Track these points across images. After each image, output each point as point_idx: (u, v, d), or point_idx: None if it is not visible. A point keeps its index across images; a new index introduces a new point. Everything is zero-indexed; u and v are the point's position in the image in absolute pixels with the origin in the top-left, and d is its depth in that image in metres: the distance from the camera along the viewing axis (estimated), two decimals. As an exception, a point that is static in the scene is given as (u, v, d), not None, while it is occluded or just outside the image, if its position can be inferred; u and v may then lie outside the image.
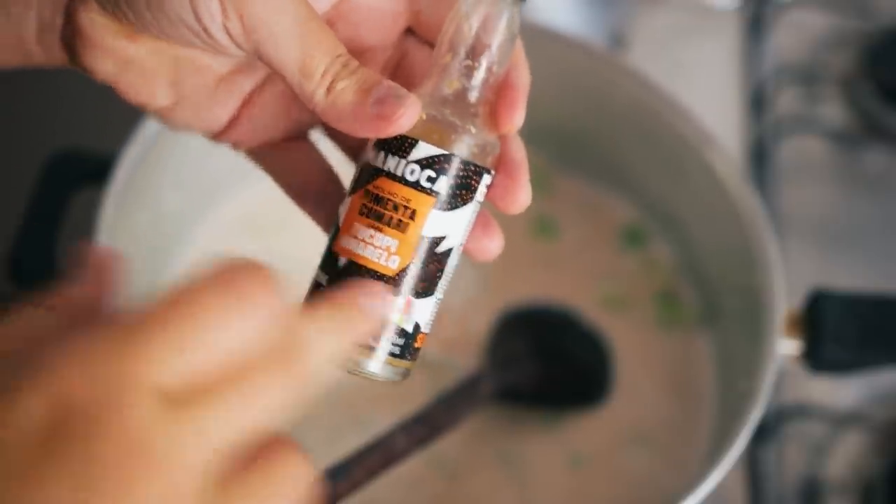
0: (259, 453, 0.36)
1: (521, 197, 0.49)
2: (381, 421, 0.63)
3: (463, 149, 0.44)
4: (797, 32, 0.92)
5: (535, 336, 0.69)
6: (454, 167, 0.43)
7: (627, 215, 0.75)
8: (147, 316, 0.34)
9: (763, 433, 0.73)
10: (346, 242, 0.44)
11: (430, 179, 0.43)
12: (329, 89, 0.43)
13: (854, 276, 0.80)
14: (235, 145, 0.48)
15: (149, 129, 0.66)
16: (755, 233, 0.66)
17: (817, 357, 0.63)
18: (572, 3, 0.88)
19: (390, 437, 0.59)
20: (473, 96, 0.45)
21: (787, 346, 0.63)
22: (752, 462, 0.72)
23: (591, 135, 0.74)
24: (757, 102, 0.87)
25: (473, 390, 0.64)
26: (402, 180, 0.43)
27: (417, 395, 0.66)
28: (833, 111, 0.88)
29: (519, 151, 0.50)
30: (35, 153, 0.73)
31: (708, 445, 0.66)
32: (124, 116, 0.67)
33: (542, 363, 0.68)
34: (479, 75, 0.46)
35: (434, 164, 0.43)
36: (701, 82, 0.88)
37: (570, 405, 0.68)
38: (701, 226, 0.71)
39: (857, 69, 0.88)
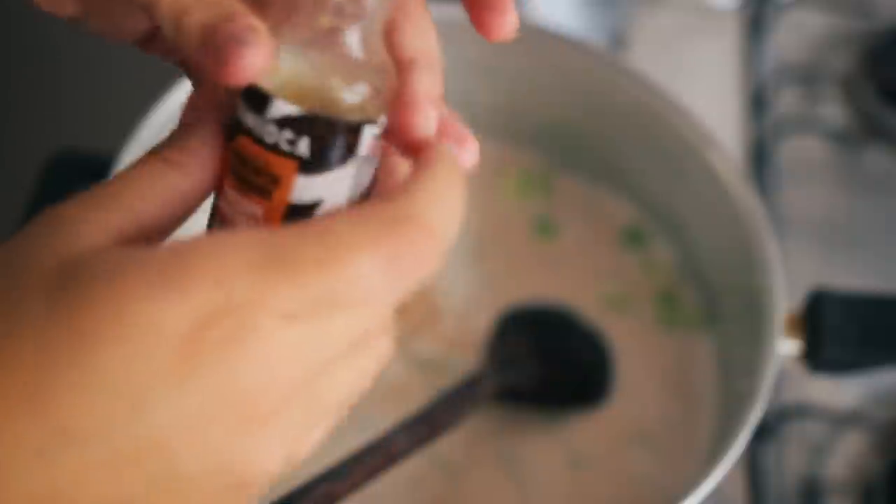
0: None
1: (507, 22, 0.43)
2: (381, 421, 0.63)
3: (330, 104, 0.37)
4: (797, 32, 0.92)
5: (535, 336, 0.69)
6: (319, 127, 0.37)
7: (627, 215, 0.75)
8: (307, 245, 0.34)
9: (763, 433, 0.73)
10: (221, 203, 0.39)
11: (289, 142, 0.37)
12: (178, 26, 0.36)
13: (854, 276, 0.80)
14: (164, 57, 0.43)
15: (149, 129, 0.66)
16: (755, 233, 0.66)
17: (817, 357, 0.63)
18: (572, 3, 0.88)
19: (390, 437, 0.59)
20: (352, 34, 0.38)
21: (787, 347, 0.63)
22: (752, 462, 0.72)
23: (591, 135, 0.74)
24: (757, 102, 0.87)
25: (473, 390, 0.64)
26: (260, 141, 0.37)
27: (417, 395, 0.66)
28: (833, 111, 0.88)
29: None
30: (35, 153, 0.73)
31: (708, 445, 0.66)
32: (124, 116, 0.67)
33: (543, 363, 0.68)
34: (358, 5, 0.37)
35: (292, 124, 0.36)
36: (701, 82, 0.88)
37: (571, 405, 0.68)
38: (701, 226, 0.71)
39: (857, 69, 0.88)
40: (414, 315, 0.70)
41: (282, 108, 0.36)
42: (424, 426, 0.61)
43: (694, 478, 0.58)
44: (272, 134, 0.36)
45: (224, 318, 0.33)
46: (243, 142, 0.37)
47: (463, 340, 0.70)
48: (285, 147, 0.37)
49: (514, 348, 0.68)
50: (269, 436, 0.35)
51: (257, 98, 0.36)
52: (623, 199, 0.75)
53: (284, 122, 0.36)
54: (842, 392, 0.75)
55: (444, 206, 0.37)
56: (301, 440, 0.37)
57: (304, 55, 0.37)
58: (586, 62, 0.72)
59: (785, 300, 0.63)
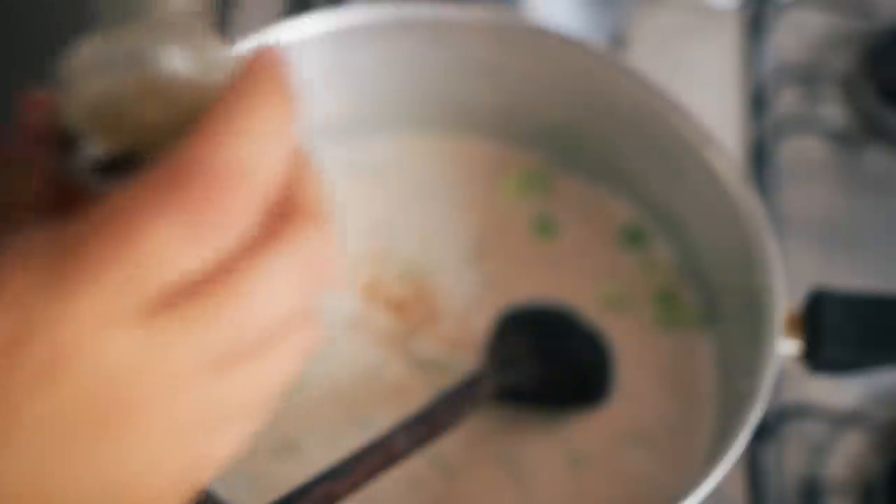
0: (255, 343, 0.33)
1: None
2: (381, 421, 0.63)
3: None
4: (797, 32, 0.92)
5: (535, 336, 0.69)
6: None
7: (627, 215, 0.75)
8: (88, 238, 0.30)
9: (763, 433, 0.73)
10: None
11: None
12: None
13: (854, 276, 0.80)
14: None
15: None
16: (755, 233, 0.66)
17: (817, 357, 0.63)
18: (572, 3, 0.88)
19: (390, 437, 0.59)
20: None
21: (787, 347, 0.63)
22: (752, 462, 0.72)
23: (591, 135, 0.74)
24: (757, 102, 0.87)
25: (473, 390, 0.64)
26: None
27: (417, 395, 0.66)
28: (833, 111, 0.88)
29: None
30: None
31: (708, 445, 0.66)
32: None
33: (543, 363, 0.68)
34: None
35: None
36: (701, 82, 0.88)
37: (571, 405, 0.68)
38: (701, 226, 0.71)
39: (857, 69, 0.88)
40: (413, 315, 0.70)
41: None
42: (424, 426, 0.61)
43: (694, 478, 0.58)
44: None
45: (29, 346, 0.29)
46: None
47: (463, 340, 0.70)
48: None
49: (514, 348, 0.68)
50: (150, 442, 0.31)
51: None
52: (623, 199, 0.75)
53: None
54: (842, 392, 0.75)
55: (243, 140, 0.30)
56: (200, 441, 0.32)
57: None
58: (586, 62, 0.72)
59: (785, 300, 0.63)
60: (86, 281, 0.29)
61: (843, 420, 0.73)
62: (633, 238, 0.74)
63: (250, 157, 0.30)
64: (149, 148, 0.31)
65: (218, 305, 0.31)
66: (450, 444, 0.65)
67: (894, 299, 0.64)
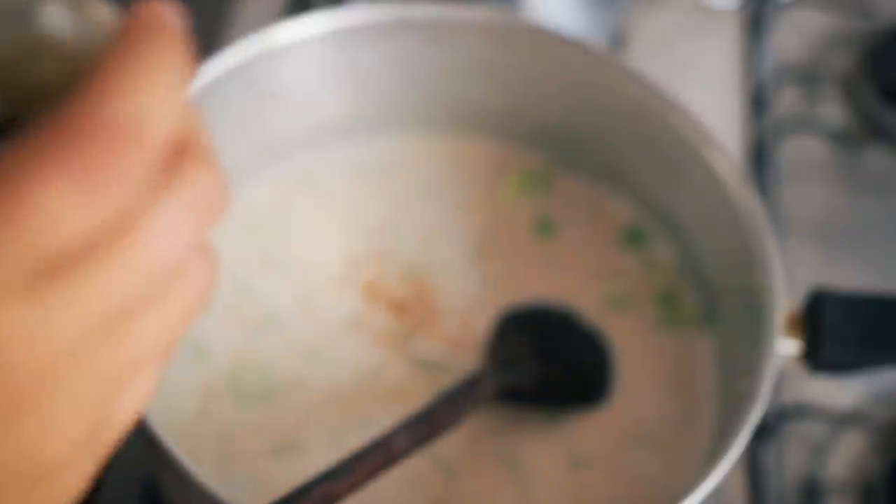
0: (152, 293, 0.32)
1: None
2: (381, 421, 0.63)
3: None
4: (797, 32, 0.92)
5: (535, 336, 0.69)
6: None
7: (627, 215, 0.75)
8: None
9: (763, 433, 0.73)
10: None
11: None
12: None
13: (854, 276, 0.80)
14: None
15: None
16: (755, 233, 0.66)
17: (817, 357, 0.63)
18: (572, 3, 0.88)
19: (390, 437, 0.60)
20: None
21: (787, 346, 0.63)
22: (752, 462, 0.72)
23: (591, 135, 0.74)
24: (757, 102, 0.87)
25: (474, 390, 0.64)
26: None
27: (417, 395, 0.66)
28: (833, 111, 0.88)
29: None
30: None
31: (708, 445, 0.66)
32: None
33: (543, 363, 0.68)
34: None
35: None
36: (701, 82, 0.88)
37: (571, 405, 0.68)
38: (701, 226, 0.71)
39: (857, 69, 0.88)
40: (414, 315, 0.70)
41: None
42: (424, 426, 0.61)
43: (694, 478, 0.58)
44: None
45: None
46: None
47: (463, 340, 0.70)
48: None
49: (515, 348, 0.68)
50: (47, 415, 0.30)
51: None
52: (623, 199, 0.75)
53: None
54: (842, 392, 0.75)
55: (131, 95, 0.29)
56: (104, 400, 0.31)
57: None
58: (586, 62, 0.72)
59: (785, 300, 0.63)
60: None
61: (843, 420, 0.73)
62: (634, 238, 0.74)
63: (139, 112, 0.29)
64: (32, 110, 0.30)
65: (106, 261, 0.30)
66: (450, 444, 0.65)
67: (894, 299, 0.64)
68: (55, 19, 0.29)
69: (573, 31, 0.74)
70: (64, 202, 0.28)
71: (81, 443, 0.31)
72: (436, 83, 0.75)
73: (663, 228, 0.74)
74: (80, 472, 0.32)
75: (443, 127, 0.77)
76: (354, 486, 0.57)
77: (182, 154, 0.30)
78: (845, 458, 0.73)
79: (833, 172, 0.86)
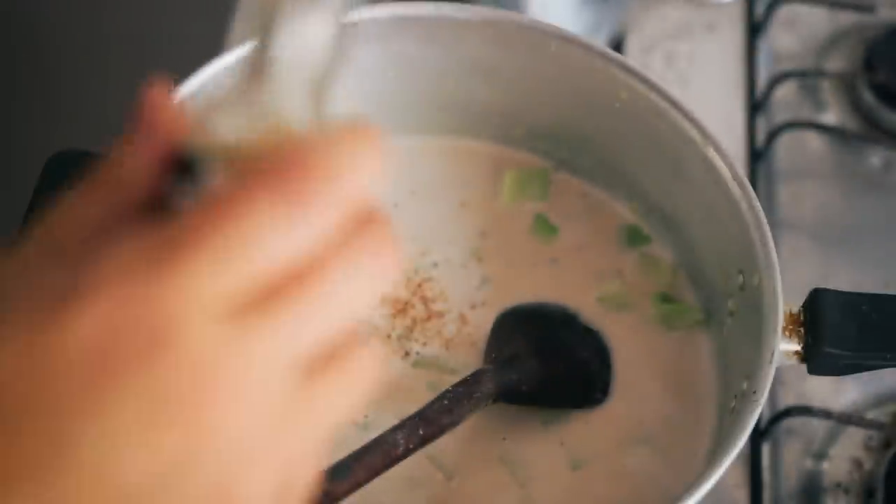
0: (333, 350, 0.34)
1: None
2: (381, 421, 0.63)
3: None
4: (797, 32, 0.92)
5: (534, 336, 0.69)
6: None
7: (627, 215, 0.75)
8: (194, 223, 0.31)
9: (763, 433, 0.73)
10: None
11: None
12: None
13: (854, 275, 0.80)
14: None
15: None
16: (755, 233, 0.66)
17: (817, 357, 0.63)
18: (572, 2, 0.88)
19: (390, 436, 0.60)
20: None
21: (786, 346, 0.63)
22: (752, 462, 0.72)
23: (591, 135, 0.74)
24: (756, 102, 0.87)
25: (473, 390, 0.64)
26: None
27: (417, 395, 0.66)
28: (833, 110, 0.88)
29: None
30: (35, 153, 0.73)
31: (708, 445, 0.66)
32: (124, 117, 0.67)
33: (542, 363, 0.68)
34: None
35: None
36: (701, 82, 0.88)
37: (571, 405, 0.68)
38: (701, 226, 0.71)
39: (857, 68, 0.88)
40: (413, 315, 0.70)
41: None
42: (424, 426, 0.61)
43: (694, 478, 0.58)
44: None
45: (130, 325, 0.30)
46: None
47: (463, 340, 0.70)
48: None
49: (514, 348, 0.68)
50: (216, 442, 0.31)
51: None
52: (623, 199, 0.75)
53: None
54: (841, 392, 0.75)
55: (336, 152, 0.33)
56: (282, 452, 0.33)
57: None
58: (586, 61, 0.72)
59: (784, 300, 0.63)
60: (181, 263, 0.31)
61: (843, 420, 0.73)
62: (633, 238, 0.74)
63: (342, 165, 0.32)
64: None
65: (307, 305, 0.32)
66: (450, 444, 0.65)
67: (893, 299, 0.64)
68: (302, 121, 0.34)
69: (573, 31, 0.73)
70: (266, 226, 0.31)
71: (268, 485, 0.33)
72: (435, 83, 0.75)
73: (663, 228, 0.74)
74: None
75: (443, 127, 0.76)
76: (354, 486, 0.57)
77: (369, 222, 0.33)
78: (845, 458, 0.73)
79: (832, 172, 0.86)
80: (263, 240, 0.31)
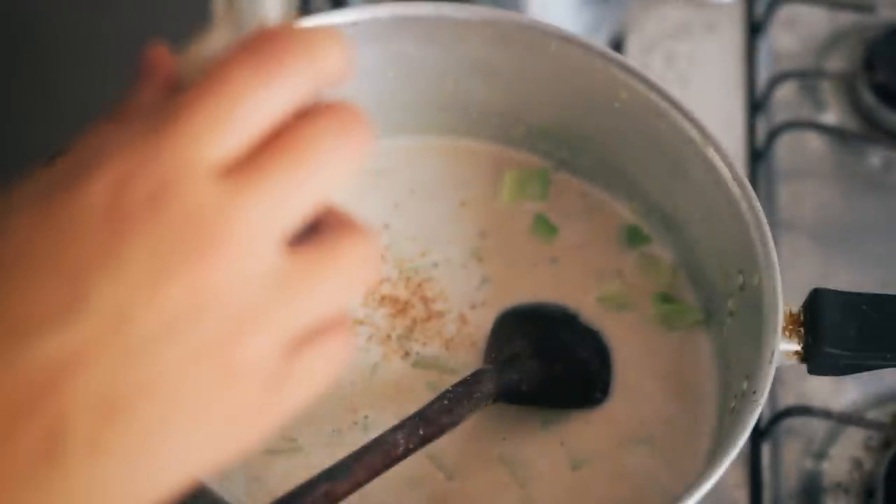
0: (325, 229, 0.37)
1: None
2: (382, 421, 0.63)
3: None
4: (797, 32, 0.92)
5: (534, 336, 0.69)
6: None
7: (627, 215, 0.75)
8: (187, 96, 0.35)
9: (763, 433, 0.73)
10: None
11: None
12: None
13: (854, 275, 0.80)
14: None
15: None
16: (755, 232, 0.66)
17: (817, 357, 0.63)
18: (572, 2, 0.88)
19: (390, 437, 0.60)
20: None
21: (786, 346, 0.63)
22: (752, 462, 0.72)
23: (591, 135, 0.74)
24: (756, 102, 0.87)
25: (473, 390, 0.64)
26: None
27: (417, 395, 0.66)
28: (833, 111, 0.88)
29: None
30: (35, 153, 0.73)
31: (708, 445, 0.66)
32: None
33: (542, 363, 0.68)
34: None
35: None
36: (701, 82, 0.88)
37: (571, 405, 0.68)
38: (701, 226, 0.71)
39: (857, 68, 0.88)
40: (413, 315, 0.70)
41: None
42: (424, 426, 0.61)
43: (694, 478, 0.58)
44: None
45: (137, 181, 0.34)
46: None
47: (463, 340, 0.70)
48: None
49: (514, 348, 0.68)
50: (218, 280, 0.35)
51: None
52: (623, 199, 0.75)
53: None
54: (841, 392, 0.75)
55: (309, 34, 0.37)
56: (293, 323, 0.36)
57: None
58: (586, 61, 0.72)
59: (784, 300, 0.63)
60: (177, 129, 0.34)
61: (843, 420, 0.73)
62: (633, 238, 0.74)
63: (312, 42, 0.37)
64: None
65: (292, 166, 0.35)
66: (450, 444, 0.65)
67: (894, 299, 0.64)
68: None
69: (573, 31, 0.73)
70: (249, 85, 0.35)
71: (271, 376, 0.36)
72: (435, 83, 0.75)
73: (663, 228, 0.74)
74: (266, 414, 0.36)
75: (442, 127, 0.76)
76: (354, 486, 0.57)
77: (342, 105, 0.38)
78: (845, 458, 0.73)
79: (832, 172, 0.86)
80: (247, 98, 0.35)
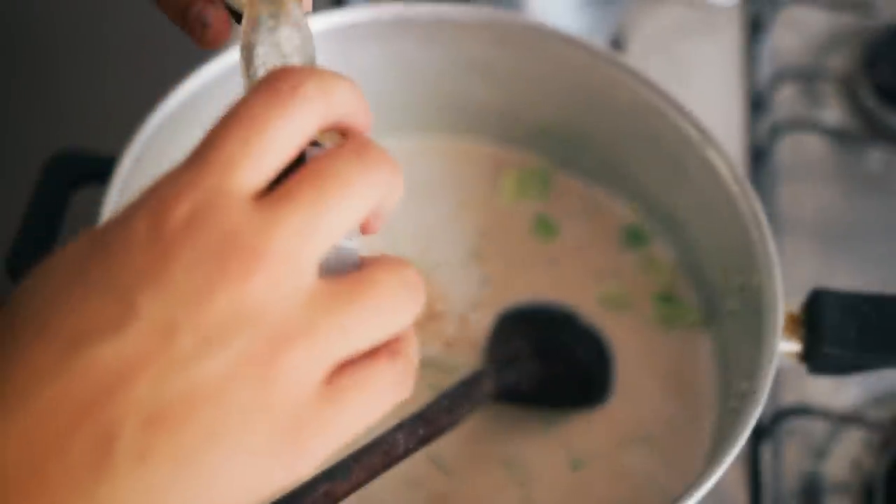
0: (362, 264, 0.39)
1: None
2: (381, 421, 0.63)
3: None
4: (797, 32, 0.92)
5: (534, 336, 0.69)
6: None
7: (627, 215, 0.75)
8: (214, 130, 0.37)
9: (763, 433, 0.73)
10: None
11: None
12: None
13: (854, 275, 0.80)
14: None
15: (149, 128, 0.66)
16: (755, 233, 0.66)
17: (817, 357, 0.63)
18: (572, 2, 0.88)
19: (390, 437, 0.59)
20: None
21: (786, 346, 0.63)
22: (753, 462, 0.72)
23: (591, 135, 0.74)
24: (756, 102, 0.87)
25: (473, 390, 0.64)
26: None
27: (417, 395, 0.66)
28: (833, 111, 0.88)
29: None
30: (35, 153, 0.73)
31: (708, 445, 0.66)
32: (124, 116, 0.67)
33: (542, 363, 0.68)
34: None
35: None
36: (701, 82, 0.88)
37: (571, 405, 0.68)
38: (701, 226, 0.71)
39: (857, 69, 0.88)
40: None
41: None
42: (424, 426, 0.61)
43: (694, 478, 0.58)
44: None
45: (176, 203, 0.36)
46: None
47: (463, 340, 0.70)
48: None
49: (514, 348, 0.68)
50: (254, 296, 0.36)
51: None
52: (623, 199, 0.75)
53: None
54: (841, 392, 0.75)
55: (314, 73, 0.40)
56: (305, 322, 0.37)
57: None
58: (586, 61, 0.72)
59: (784, 300, 0.63)
60: (208, 156, 0.37)
61: (843, 420, 0.73)
62: (633, 238, 0.74)
63: (326, 81, 0.39)
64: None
65: (323, 194, 0.37)
66: (450, 444, 0.65)
67: (894, 299, 0.64)
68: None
69: (573, 31, 0.73)
70: (264, 114, 0.37)
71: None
72: (435, 83, 0.75)
73: (663, 228, 0.74)
74: (309, 437, 0.37)
75: (442, 127, 0.77)
76: (354, 486, 0.57)
77: (366, 142, 0.40)
78: (845, 458, 0.73)
79: (832, 172, 0.86)
80: (269, 126, 0.37)
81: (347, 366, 0.38)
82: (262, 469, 0.36)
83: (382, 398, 0.40)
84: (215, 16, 0.50)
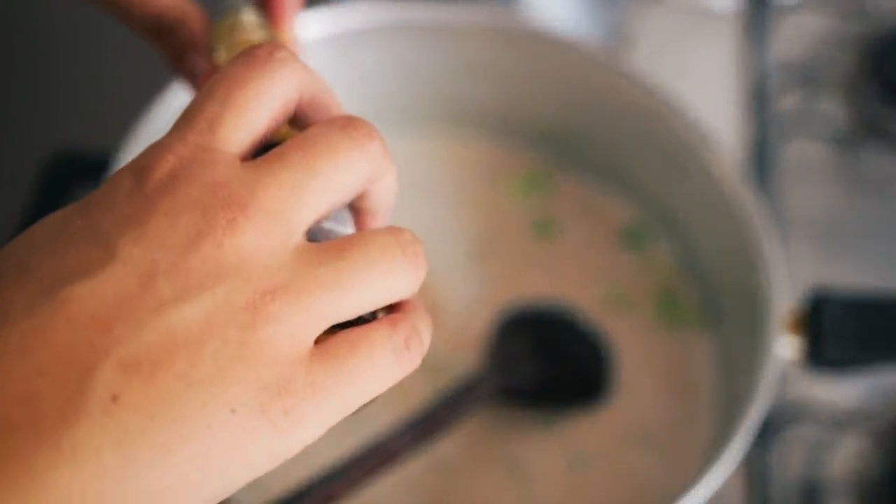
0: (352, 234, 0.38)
1: None
2: (381, 421, 0.63)
3: None
4: (798, 33, 0.92)
5: (535, 336, 0.69)
6: None
7: (627, 215, 0.75)
8: (194, 98, 0.38)
9: (763, 433, 0.73)
10: None
11: None
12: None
13: (854, 276, 0.80)
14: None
15: (149, 127, 0.66)
16: (755, 233, 0.66)
17: (818, 357, 0.63)
18: (572, 3, 0.88)
19: (390, 437, 0.60)
20: None
21: (787, 346, 0.63)
22: (752, 462, 0.72)
23: (591, 135, 0.74)
24: (757, 102, 0.87)
25: (473, 390, 0.64)
26: None
27: (417, 395, 0.66)
28: (833, 112, 0.88)
29: None
30: (35, 153, 0.73)
31: (708, 445, 0.66)
32: (124, 115, 0.67)
33: (543, 363, 0.68)
34: None
35: None
36: (701, 82, 0.88)
37: (571, 405, 0.68)
38: (701, 226, 0.71)
39: (857, 70, 0.88)
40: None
41: None
42: (424, 426, 0.61)
43: (694, 478, 0.58)
44: None
45: (160, 161, 0.36)
46: None
47: (463, 340, 0.70)
48: None
49: (514, 348, 0.68)
50: (239, 242, 0.36)
51: None
52: (623, 199, 0.75)
53: None
54: (842, 392, 0.75)
55: (282, 48, 0.40)
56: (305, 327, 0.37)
57: None
58: (586, 62, 0.72)
59: (785, 300, 0.63)
60: (190, 120, 0.37)
61: (843, 420, 0.74)
62: (633, 238, 0.74)
63: (294, 52, 0.39)
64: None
65: (307, 157, 0.37)
66: (450, 444, 0.65)
67: (894, 299, 0.64)
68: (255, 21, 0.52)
69: (573, 32, 0.74)
70: (241, 75, 0.38)
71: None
72: (436, 84, 0.75)
73: (663, 228, 0.74)
74: (293, 410, 0.37)
75: (443, 127, 0.77)
76: (354, 487, 0.57)
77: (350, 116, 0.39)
78: (845, 458, 0.73)
79: (833, 173, 0.86)
80: (249, 88, 0.37)
81: (343, 332, 0.37)
82: (246, 428, 0.35)
83: (380, 368, 0.38)
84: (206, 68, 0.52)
